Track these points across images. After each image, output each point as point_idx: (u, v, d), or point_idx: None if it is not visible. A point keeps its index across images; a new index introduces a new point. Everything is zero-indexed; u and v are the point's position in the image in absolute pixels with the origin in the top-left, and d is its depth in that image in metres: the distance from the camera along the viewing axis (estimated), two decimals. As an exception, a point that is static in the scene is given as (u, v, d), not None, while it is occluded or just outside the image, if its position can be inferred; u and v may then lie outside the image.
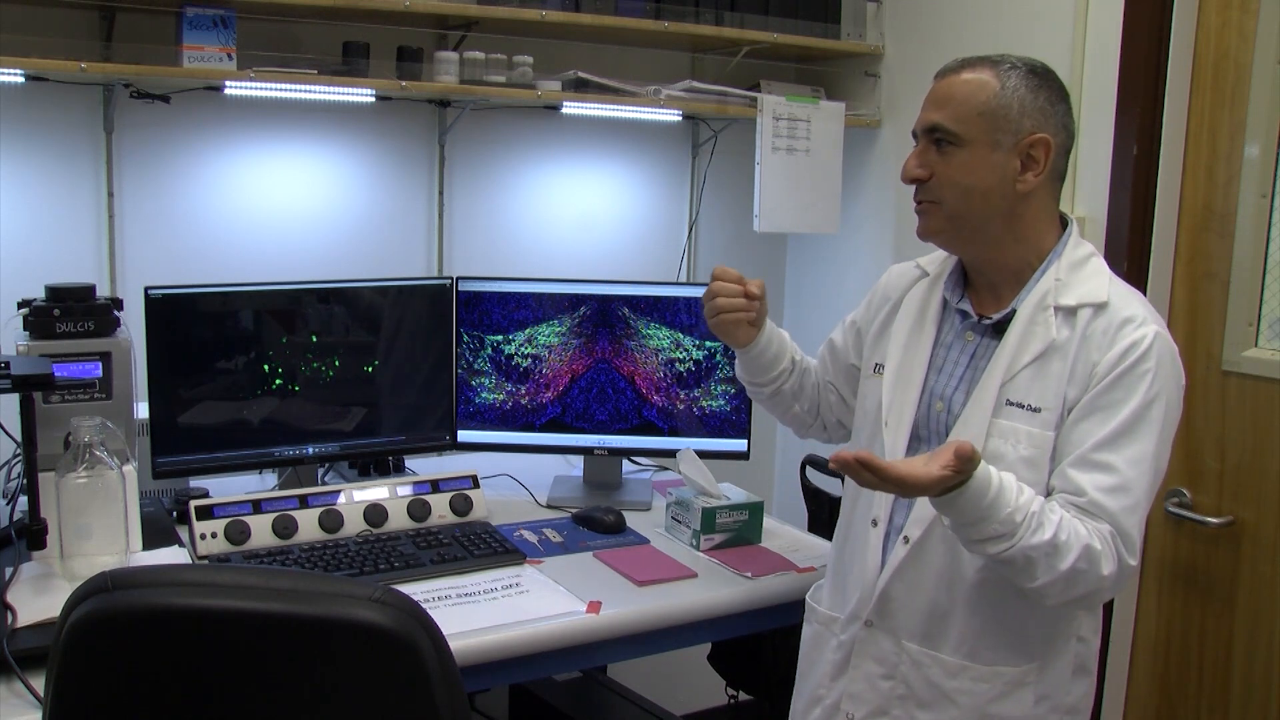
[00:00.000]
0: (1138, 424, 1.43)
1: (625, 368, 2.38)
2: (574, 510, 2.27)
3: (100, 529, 1.73)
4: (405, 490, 2.12)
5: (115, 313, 1.97)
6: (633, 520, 2.23)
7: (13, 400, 1.69)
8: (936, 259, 1.68)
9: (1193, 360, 2.15)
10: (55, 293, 1.92)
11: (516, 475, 2.43)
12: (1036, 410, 1.47)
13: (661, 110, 2.67)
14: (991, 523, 1.34)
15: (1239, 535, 2.10)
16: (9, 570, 1.74)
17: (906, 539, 1.54)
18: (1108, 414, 1.43)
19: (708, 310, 1.75)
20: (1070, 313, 1.49)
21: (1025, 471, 1.43)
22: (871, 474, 1.33)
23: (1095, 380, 1.45)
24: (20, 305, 1.95)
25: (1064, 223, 1.57)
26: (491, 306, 2.37)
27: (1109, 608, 2.25)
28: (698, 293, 2.36)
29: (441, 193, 2.71)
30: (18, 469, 1.98)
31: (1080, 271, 1.52)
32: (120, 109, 2.33)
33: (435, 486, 2.15)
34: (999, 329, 1.54)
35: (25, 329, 1.92)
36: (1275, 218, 2.04)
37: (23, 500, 1.79)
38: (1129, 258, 2.19)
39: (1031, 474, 1.44)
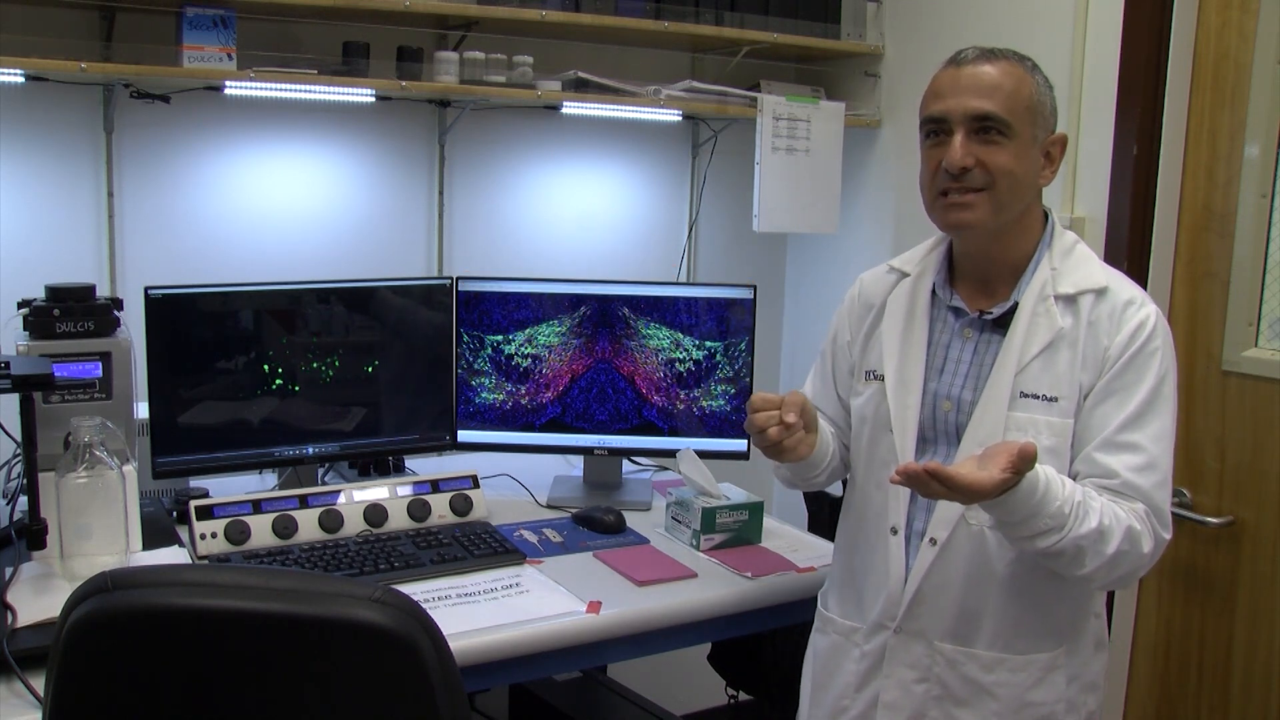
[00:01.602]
0: (1155, 401, 1.46)
1: (625, 368, 2.38)
2: (574, 510, 2.27)
3: (100, 529, 1.73)
4: (405, 490, 2.12)
5: (115, 313, 1.97)
6: (633, 520, 2.22)
7: (13, 400, 1.69)
8: (912, 259, 1.67)
9: (1193, 360, 2.15)
10: (55, 293, 1.92)
11: (516, 475, 2.43)
12: (1053, 400, 1.49)
13: (661, 110, 2.67)
14: (1042, 517, 1.36)
15: (1239, 535, 2.10)
16: (9, 570, 1.74)
17: (933, 541, 1.54)
18: (1125, 396, 1.46)
19: (756, 441, 1.59)
20: (1070, 300, 1.51)
21: (1050, 461, 1.44)
22: (940, 484, 1.32)
23: (1109, 364, 1.47)
24: (20, 305, 1.95)
25: (1043, 215, 1.59)
26: (491, 306, 2.37)
27: (1109, 607, 2.25)
28: (698, 293, 2.38)
29: (441, 193, 2.71)
30: (18, 469, 1.98)
31: (1070, 259, 1.55)
32: (120, 109, 2.33)
33: (435, 486, 2.15)
34: (1000, 323, 1.54)
35: (25, 329, 1.92)
36: (1275, 218, 2.04)
37: (23, 500, 1.79)
38: (1129, 258, 2.19)
39: (1055, 463, 1.45)
